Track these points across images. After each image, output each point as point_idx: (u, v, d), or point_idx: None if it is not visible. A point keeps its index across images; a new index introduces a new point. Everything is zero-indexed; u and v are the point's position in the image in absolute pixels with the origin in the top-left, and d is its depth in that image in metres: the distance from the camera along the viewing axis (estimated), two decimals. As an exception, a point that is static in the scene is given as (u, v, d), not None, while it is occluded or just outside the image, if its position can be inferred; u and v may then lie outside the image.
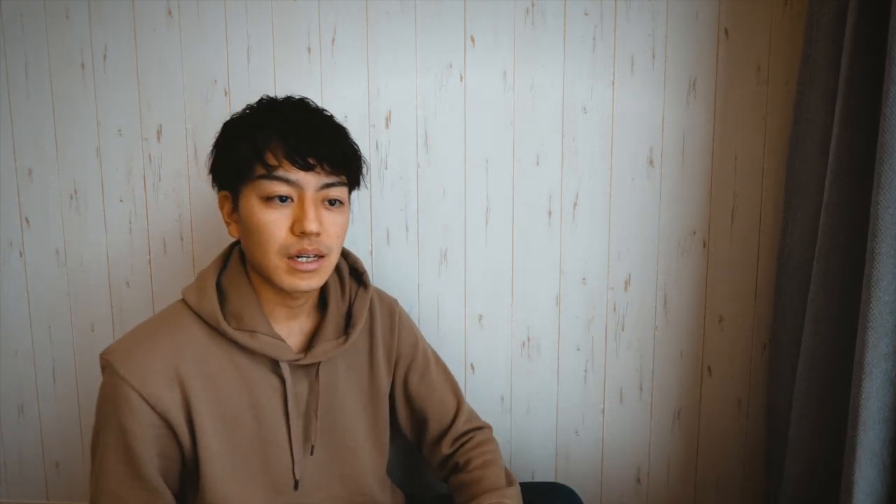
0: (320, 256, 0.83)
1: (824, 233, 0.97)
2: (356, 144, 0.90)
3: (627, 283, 1.21)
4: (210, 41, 1.20)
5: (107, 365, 0.78)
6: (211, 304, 0.82)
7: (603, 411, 1.25)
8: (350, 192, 0.90)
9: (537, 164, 1.19)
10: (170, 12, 1.20)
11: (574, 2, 1.15)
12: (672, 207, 1.19)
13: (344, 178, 0.85)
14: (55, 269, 1.28)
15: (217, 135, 0.88)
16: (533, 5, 1.16)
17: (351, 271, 0.99)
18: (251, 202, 0.81)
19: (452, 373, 1.11)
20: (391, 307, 1.04)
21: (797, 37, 1.13)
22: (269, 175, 0.80)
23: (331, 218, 0.84)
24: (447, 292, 1.24)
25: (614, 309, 1.22)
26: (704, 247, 1.19)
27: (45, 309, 1.30)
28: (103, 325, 1.29)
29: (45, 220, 1.27)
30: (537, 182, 1.20)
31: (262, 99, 0.88)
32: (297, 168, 0.80)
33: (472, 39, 1.18)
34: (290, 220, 0.81)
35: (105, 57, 1.22)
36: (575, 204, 1.20)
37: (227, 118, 0.88)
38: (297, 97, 0.88)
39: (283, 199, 0.81)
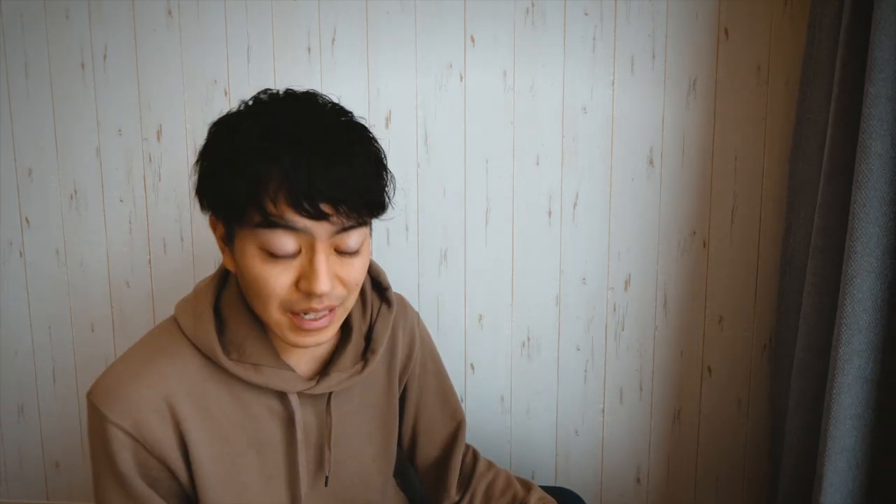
0: (333, 309, 0.69)
1: (818, 232, 0.98)
2: (381, 153, 0.70)
3: (627, 283, 1.21)
4: (210, 41, 1.20)
5: (95, 409, 0.68)
6: (207, 334, 0.70)
7: (603, 411, 1.25)
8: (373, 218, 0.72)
9: (537, 164, 1.19)
10: (170, 12, 1.20)
11: (574, 2, 1.15)
12: (672, 207, 1.19)
13: (366, 218, 0.68)
14: (55, 269, 1.28)
15: (203, 143, 0.69)
16: (533, 5, 1.16)
17: (374, 285, 0.85)
18: (247, 249, 0.65)
19: (455, 394, 1.01)
20: (413, 327, 0.91)
21: (797, 37, 1.13)
22: (268, 224, 0.62)
23: (346, 264, 0.67)
24: (447, 292, 1.24)
25: (614, 309, 1.22)
26: (704, 247, 1.19)
27: (45, 309, 1.30)
28: (103, 325, 1.29)
29: (45, 220, 1.27)
30: (537, 182, 1.20)
31: (259, 97, 0.68)
32: (305, 217, 0.62)
33: (472, 39, 1.18)
34: (295, 274, 0.65)
35: (105, 57, 1.22)
36: (575, 204, 1.20)
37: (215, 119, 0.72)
38: (302, 93, 0.69)
39: (286, 255, 0.64)
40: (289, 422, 0.75)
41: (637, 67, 1.16)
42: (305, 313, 0.66)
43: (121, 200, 1.26)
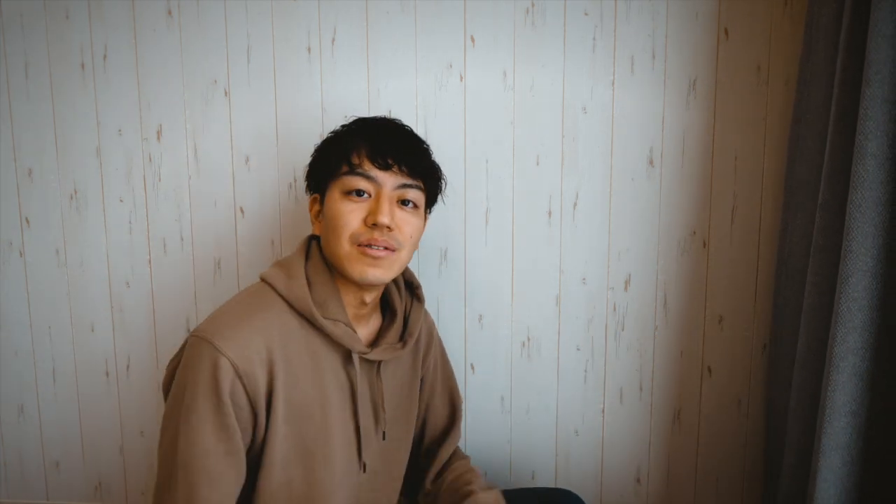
0: (390, 250, 0.87)
1: (818, 232, 0.99)
2: (437, 163, 0.97)
3: (627, 283, 1.21)
4: (210, 41, 1.20)
5: (207, 343, 0.78)
6: (302, 291, 0.85)
7: (603, 411, 1.25)
8: (428, 203, 0.96)
9: (537, 164, 1.19)
10: (170, 12, 1.20)
11: (574, 2, 1.15)
12: (672, 207, 1.19)
13: (420, 184, 0.91)
14: (55, 269, 1.28)
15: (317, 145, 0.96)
16: (533, 5, 1.16)
17: (406, 285, 1.03)
18: (334, 196, 0.88)
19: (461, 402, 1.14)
20: (430, 328, 1.09)
21: (797, 37, 1.13)
22: (352, 171, 0.87)
23: (404, 217, 0.89)
24: (447, 292, 1.24)
25: (614, 309, 1.22)
26: (704, 247, 1.19)
27: (45, 309, 1.30)
28: (103, 325, 1.29)
29: (45, 220, 1.27)
30: (537, 182, 1.20)
31: (358, 118, 0.95)
32: (377, 167, 0.87)
33: (472, 39, 1.18)
34: (364, 213, 0.86)
35: (105, 57, 1.22)
36: (575, 204, 1.20)
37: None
38: (378, 116, 0.96)
39: (360, 192, 0.87)
40: (349, 383, 0.90)
41: (637, 67, 1.16)
42: (369, 245, 0.85)
43: (121, 200, 1.26)
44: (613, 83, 1.17)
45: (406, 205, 0.90)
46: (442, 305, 1.24)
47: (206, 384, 0.77)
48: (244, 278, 1.26)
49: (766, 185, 1.17)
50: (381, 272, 0.87)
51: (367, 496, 0.94)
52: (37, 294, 1.29)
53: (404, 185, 0.88)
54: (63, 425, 1.33)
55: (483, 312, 1.24)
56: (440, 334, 1.24)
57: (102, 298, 1.28)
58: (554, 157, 1.19)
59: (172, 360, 0.86)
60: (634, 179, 1.19)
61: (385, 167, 0.87)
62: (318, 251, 0.92)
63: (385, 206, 0.85)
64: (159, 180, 1.24)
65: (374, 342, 0.95)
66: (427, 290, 1.24)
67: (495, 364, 1.25)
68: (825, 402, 0.92)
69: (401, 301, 1.00)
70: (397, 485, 1.01)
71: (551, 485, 1.27)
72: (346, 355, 0.90)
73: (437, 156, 1.20)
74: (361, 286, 0.89)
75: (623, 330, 1.23)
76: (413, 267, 1.23)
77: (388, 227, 0.86)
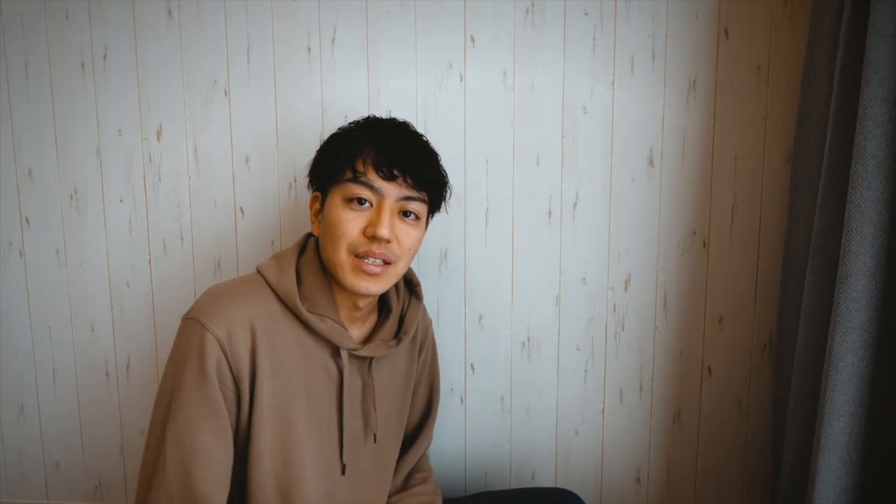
0: (387, 263, 0.86)
1: (818, 232, 0.99)
2: (444, 171, 0.95)
3: (627, 283, 1.21)
4: (210, 41, 1.20)
5: (194, 321, 0.80)
6: (290, 284, 0.86)
7: (603, 411, 1.25)
8: (430, 212, 0.94)
9: (537, 164, 1.19)
10: (170, 12, 1.20)
11: (574, 2, 1.15)
12: (672, 207, 1.19)
13: (424, 196, 0.89)
14: (55, 269, 1.28)
15: (321, 142, 0.94)
16: (533, 5, 1.16)
17: (405, 282, 1.03)
18: (335, 202, 0.87)
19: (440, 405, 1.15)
20: (427, 326, 1.09)
21: (797, 37, 1.13)
22: (355, 179, 0.85)
23: (404, 229, 0.87)
24: (447, 292, 1.24)
25: (614, 309, 1.22)
26: (704, 247, 1.19)
27: (45, 309, 1.30)
28: (103, 325, 1.29)
29: (45, 220, 1.27)
30: (537, 182, 1.20)
31: (368, 117, 0.94)
32: (381, 177, 0.85)
33: (472, 39, 1.18)
34: (364, 222, 0.85)
35: (105, 57, 1.22)
36: (575, 204, 1.20)
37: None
38: (400, 119, 0.94)
39: (361, 201, 0.85)
40: (337, 379, 0.90)
41: (637, 67, 1.16)
42: (366, 257, 0.84)
43: (121, 200, 1.26)
44: (613, 83, 1.17)
45: (407, 216, 0.88)
46: (442, 305, 1.24)
47: (194, 360, 0.79)
48: (244, 278, 1.26)
49: (766, 185, 1.17)
50: (375, 286, 0.86)
51: (347, 498, 0.93)
52: (37, 294, 1.29)
53: (407, 198, 0.87)
54: (63, 425, 1.33)
55: (483, 312, 1.24)
56: (440, 335, 1.24)
57: (102, 298, 1.28)
58: (554, 157, 1.19)
59: None
60: (634, 179, 1.19)
61: (390, 178, 0.85)
62: (314, 248, 0.92)
63: (385, 219, 0.84)
64: (159, 180, 1.24)
65: (368, 339, 0.95)
66: (427, 291, 1.24)
67: (495, 364, 1.25)
68: (824, 403, 0.92)
69: (398, 299, 1.00)
70: (384, 488, 0.99)
71: (551, 485, 1.27)
72: (336, 351, 0.90)
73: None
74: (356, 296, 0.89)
75: (623, 330, 1.23)
76: (413, 267, 1.23)
77: (387, 240, 0.85)
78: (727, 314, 1.21)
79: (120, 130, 1.24)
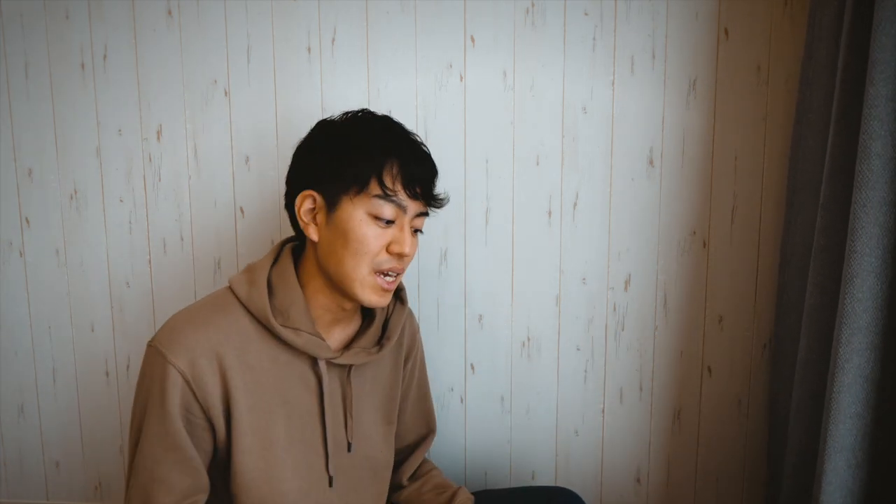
0: (397, 274, 0.88)
1: (820, 232, 0.99)
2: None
3: (627, 283, 1.21)
4: (210, 41, 1.20)
5: (156, 351, 0.80)
6: (261, 300, 0.83)
7: (603, 411, 1.25)
8: None
9: (537, 164, 1.19)
10: (170, 12, 1.20)
11: (574, 2, 1.15)
12: (672, 207, 1.19)
13: (428, 211, 0.91)
14: (55, 269, 1.28)
15: (314, 135, 0.90)
16: (533, 5, 1.16)
17: None
18: (356, 214, 0.83)
19: (434, 401, 1.14)
20: (414, 332, 1.07)
21: (797, 37, 1.13)
22: (386, 197, 0.83)
23: (413, 242, 0.88)
24: (447, 292, 1.24)
25: (614, 309, 1.22)
26: (704, 247, 1.19)
27: (45, 309, 1.30)
28: (103, 325, 1.29)
29: (45, 220, 1.27)
30: (537, 182, 1.20)
31: (364, 111, 0.90)
32: (408, 195, 0.85)
33: (472, 39, 1.18)
34: (388, 240, 0.85)
35: (105, 57, 1.22)
36: (575, 204, 1.20)
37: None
38: (394, 120, 0.91)
39: (389, 221, 0.84)
40: (317, 389, 0.88)
41: (637, 67, 1.16)
42: (387, 274, 0.85)
43: (121, 200, 1.26)
44: (613, 83, 1.17)
45: (415, 231, 0.89)
46: (442, 305, 1.24)
47: (156, 394, 0.79)
48: (244, 278, 1.26)
49: (766, 185, 1.17)
50: (386, 299, 0.88)
51: None
52: (37, 294, 1.29)
53: (421, 214, 0.88)
54: (63, 425, 1.33)
55: (483, 312, 1.24)
56: (440, 335, 1.24)
57: (102, 298, 1.28)
58: (554, 157, 1.19)
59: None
60: (634, 179, 1.19)
61: (414, 196, 0.85)
62: (288, 257, 0.89)
63: (408, 236, 0.85)
64: (159, 180, 1.24)
65: (349, 345, 0.92)
66: (427, 291, 1.24)
67: (495, 364, 1.25)
68: (830, 404, 0.91)
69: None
70: (377, 497, 0.98)
71: (551, 484, 1.27)
72: (314, 360, 0.88)
73: (437, 156, 1.20)
74: (345, 304, 0.89)
75: (623, 330, 1.23)
76: (413, 267, 1.23)
77: (410, 257, 0.87)
78: (727, 314, 1.21)
79: (120, 130, 1.24)
